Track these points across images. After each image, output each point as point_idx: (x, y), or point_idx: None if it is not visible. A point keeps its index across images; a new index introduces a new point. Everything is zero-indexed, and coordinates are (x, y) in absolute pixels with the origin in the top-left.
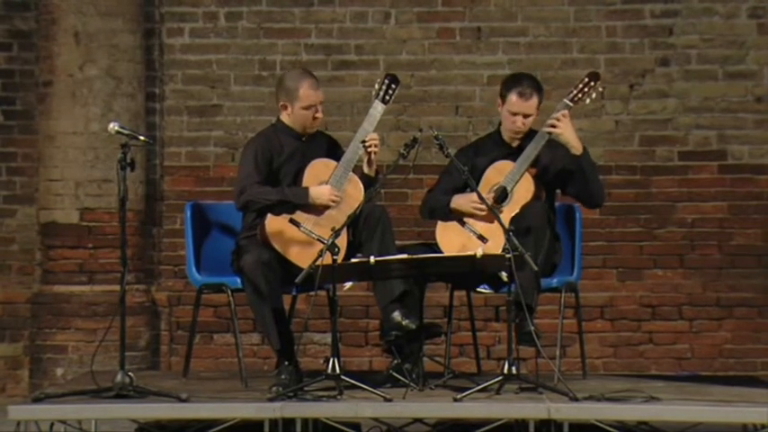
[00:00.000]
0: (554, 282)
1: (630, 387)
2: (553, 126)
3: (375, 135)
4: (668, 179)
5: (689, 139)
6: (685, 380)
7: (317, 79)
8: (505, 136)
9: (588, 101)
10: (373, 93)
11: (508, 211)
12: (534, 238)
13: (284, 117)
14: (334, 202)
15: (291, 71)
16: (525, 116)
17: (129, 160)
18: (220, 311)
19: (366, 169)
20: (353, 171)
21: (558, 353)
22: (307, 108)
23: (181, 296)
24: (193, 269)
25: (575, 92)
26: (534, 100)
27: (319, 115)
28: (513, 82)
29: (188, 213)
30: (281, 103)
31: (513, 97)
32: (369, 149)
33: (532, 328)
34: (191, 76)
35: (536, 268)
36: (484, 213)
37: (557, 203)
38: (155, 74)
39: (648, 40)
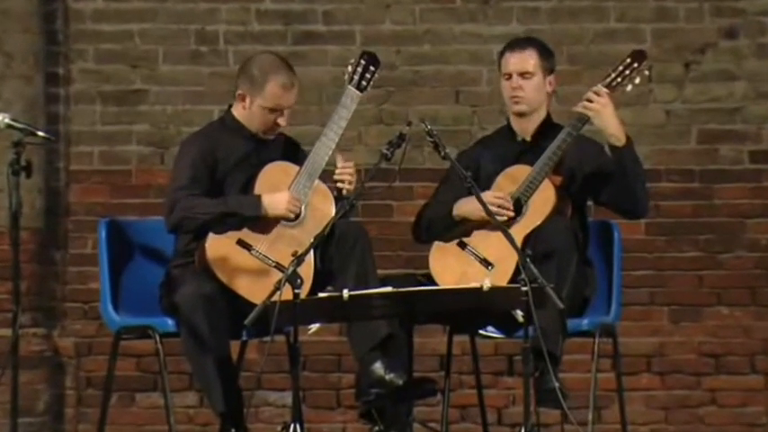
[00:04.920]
0: (585, 323)
1: None
2: (589, 101)
3: (349, 165)
4: (736, 188)
5: (763, 135)
6: None
7: (296, 75)
8: (515, 127)
9: (630, 87)
10: (346, 77)
11: (521, 229)
12: (557, 265)
13: (237, 110)
14: (293, 213)
15: (264, 56)
16: (522, 75)
17: (23, 163)
18: (145, 363)
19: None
20: (321, 178)
21: (590, 417)
22: (270, 110)
23: (92, 343)
24: (109, 307)
25: (613, 75)
26: (529, 53)
27: (282, 122)
28: (507, 44)
29: (102, 233)
30: (239, 91)
31: (505, 55)
32: (339, 185)
33: (557, 384)
34: (106, 52)
35: (561, 305)
36: (510, 213)
37: (589, 219)
38: (57, 49)
39: (710, 5)
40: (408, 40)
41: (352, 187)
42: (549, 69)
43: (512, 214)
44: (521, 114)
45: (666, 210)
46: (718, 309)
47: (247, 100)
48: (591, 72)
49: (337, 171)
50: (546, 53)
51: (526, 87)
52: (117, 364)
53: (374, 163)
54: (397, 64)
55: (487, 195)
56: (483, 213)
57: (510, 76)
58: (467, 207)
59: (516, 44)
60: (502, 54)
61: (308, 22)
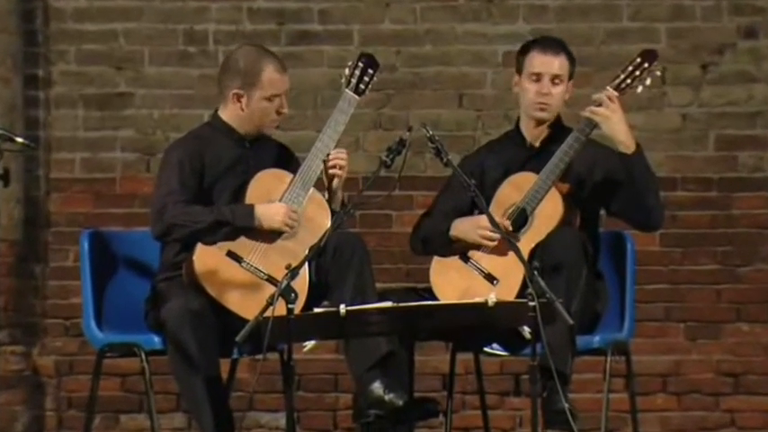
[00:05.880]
0: (596, 340)
1: None
2: (598, 104)
3: (342, 152)
4: (755, 197)
5: None
6: None
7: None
8: (526, 131)
9: (640, 89)
10: (343, 80)
11: (528, 241)
12: (566, 279)
13: (226, 112)
14: (289, 226)
15: (244, 49)
16: (553, 79)
17: (0, 171)
18: (130, 383)
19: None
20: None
21: None
22: (270, 99)
23: (74, 362)
24: (92, 324)
25: (622, 77)
26: (563, 58)
27: (285, 111)
28: (532, 42)
29: (84, 245)
30: (234, 91)
31: (534, 54)
32: (331, 171)
33: (566, 405)
34: (88, 52)
35: (571, 321)
36: (495, 243)
37: (601, 229)
38: (37, 50)
39: (728, 3)
40: (409, 40)
41: (343, 174)
42: (571, 76)
43: (494, 243)
44: (541, 121)
45: (682, 220)
46: (738, 325)
47: (244, 99)
48: (601, 74)
49: (330, 158)
50: (573, 59)
51: (555, 94)
52: (100, 384)
53: (373, 170)
54: (397, 65)
55: (483, 220)
56: (477, 237)
57: (539, 78)
58: (462, 227)
59: (549, 45)
60: (526, 51)
61: (303, 21)
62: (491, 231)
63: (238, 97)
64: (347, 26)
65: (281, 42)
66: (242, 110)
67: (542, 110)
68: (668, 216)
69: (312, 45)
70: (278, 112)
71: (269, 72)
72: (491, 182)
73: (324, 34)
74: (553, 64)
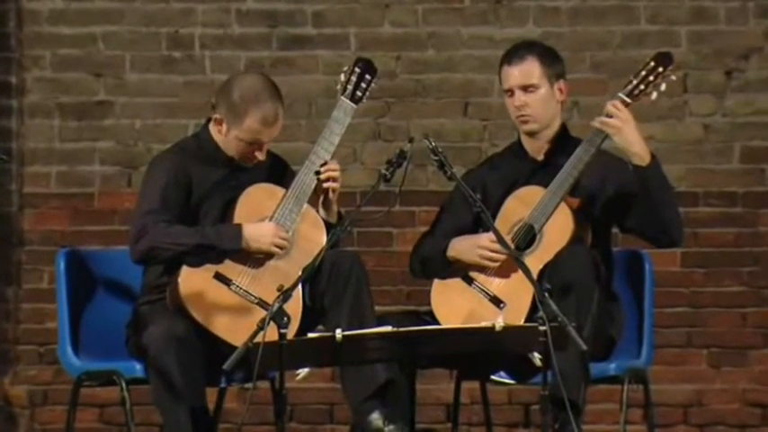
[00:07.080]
0: (612, 368)
1: None
2: (608, 115)
3: (334, 164)
4: None
5: None
6: None
7: (282, 105)
8: (526, 144)
9: (655, 95)
10: (338, 87)
11: (536, 261)
12: (576, 301)
13: (214, 129)
14: (280, 247)
15: (248, 79)
16: (524, 89)
17: None
18: (109, 413)
19: (322, 213)
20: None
21: None
22: (247, 143)
23: (49, 391)
24: (68, 350)
25: (635, 82)
26: (530, 63)
27: (260, 156)
28: (503, 55)
29: (60, 265)
30: (216, 115)
31: (503, 68)
32: (325, 185)
33: None
34: (65, 58)
35: (584, 347)
36: (497, 264)
37: (615, 248)
38: (10, 55)
39: (754, 5)
40: (410, 44)
41: (337, 186)
42: (556, 75)
43: (496, 264)
44: (531, 133)
45: (705, 238)
46: (765, 351)
47: (224, 126)
48: (617, 81)
49: (323, 169)
50: (549, 58)
51: (532, 103)
52: (77, 415)
53: (371, 184)
54: (398, 72)
55: (483, 239)
56: (477, 257)
57: (512, 92)
58: (460, 247)
59: (513, 54)
60: (500, 67)
61: (296, 24)
62: (492, 251)
63: (219, 122)
64: (343, 29)
65: (272, 47)
66: (220, 133)
67: (524, 122)
68: (690, 234)
69: (306, 50)
70: (253, 155)
71: (253, 120)
72: (494, 198)
73: (318, 38)
74: (519, 74)
